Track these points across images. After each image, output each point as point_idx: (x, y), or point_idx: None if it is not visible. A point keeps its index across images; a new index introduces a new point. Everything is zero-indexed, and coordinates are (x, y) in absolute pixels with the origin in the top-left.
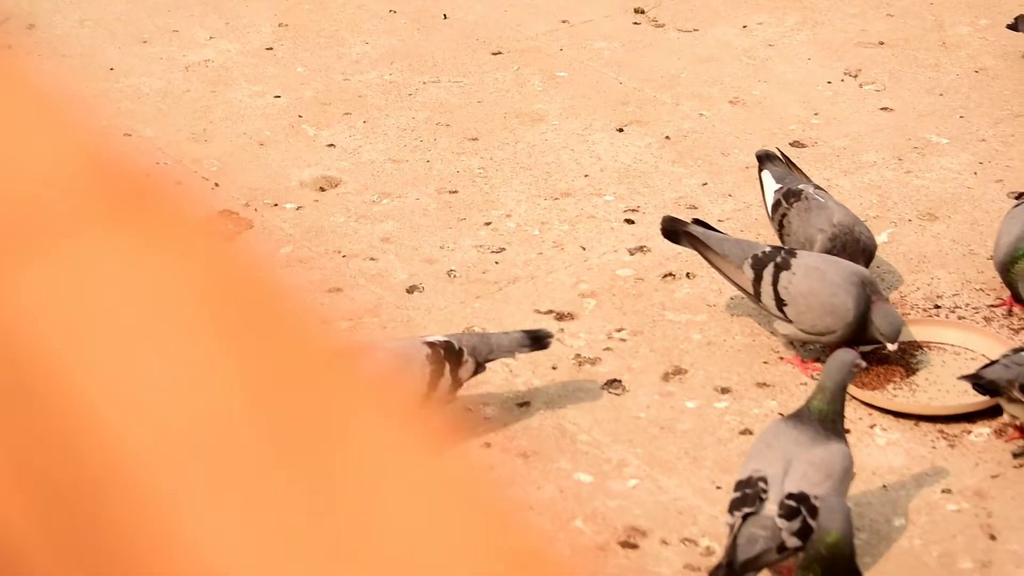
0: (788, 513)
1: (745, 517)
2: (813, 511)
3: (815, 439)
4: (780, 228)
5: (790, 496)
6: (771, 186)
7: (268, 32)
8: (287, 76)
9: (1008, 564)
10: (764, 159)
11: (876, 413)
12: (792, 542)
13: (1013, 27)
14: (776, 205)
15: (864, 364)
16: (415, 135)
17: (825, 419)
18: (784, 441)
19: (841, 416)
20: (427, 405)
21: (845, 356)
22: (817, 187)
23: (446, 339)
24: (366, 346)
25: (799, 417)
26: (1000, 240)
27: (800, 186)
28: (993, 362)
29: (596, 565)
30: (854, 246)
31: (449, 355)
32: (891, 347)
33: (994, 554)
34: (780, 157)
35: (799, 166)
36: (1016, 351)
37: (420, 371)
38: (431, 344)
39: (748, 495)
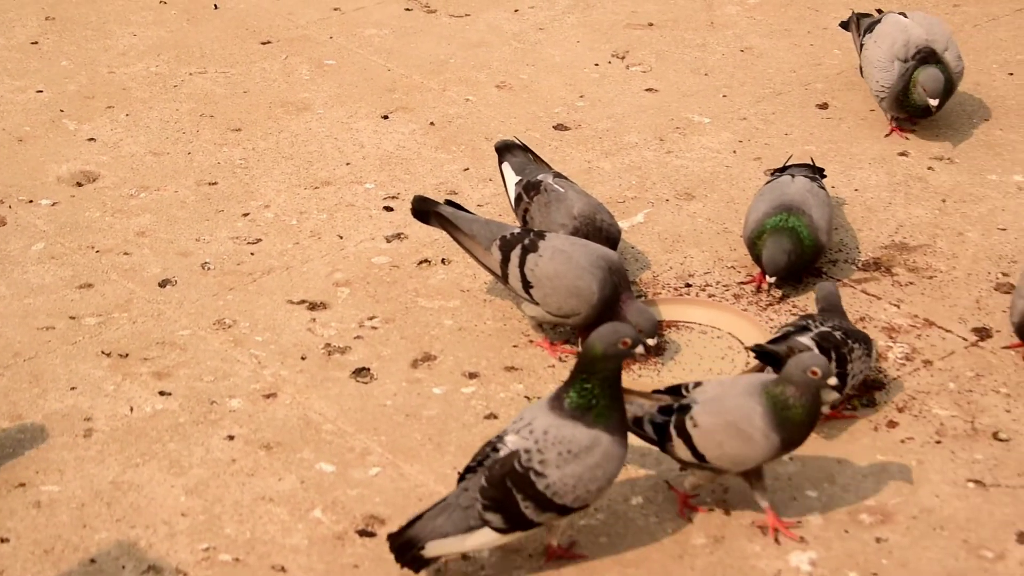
0: None
1: None
2: None
3: None
4: (524, 223)
5: None
6: (512, 179)
7: (34, 26)
8: (51, 70)
9: (740, 538)
10: (503, 150)
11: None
12: None
13: (845, 25)
14: (518, 199)
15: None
16: (178, 127)
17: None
18: None
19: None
20: None
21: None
22: (557, 175)
23: None
24: None
25: None
26: (749, 217)
27: (539, 177)
28: (782, 337)
29: (332, 555)
30: (596, 236)
31: None
32: (651, 342)
33: (727, 528)
34: (519, 146)
35: (566, 149)
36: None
37: None
38: None
39: None
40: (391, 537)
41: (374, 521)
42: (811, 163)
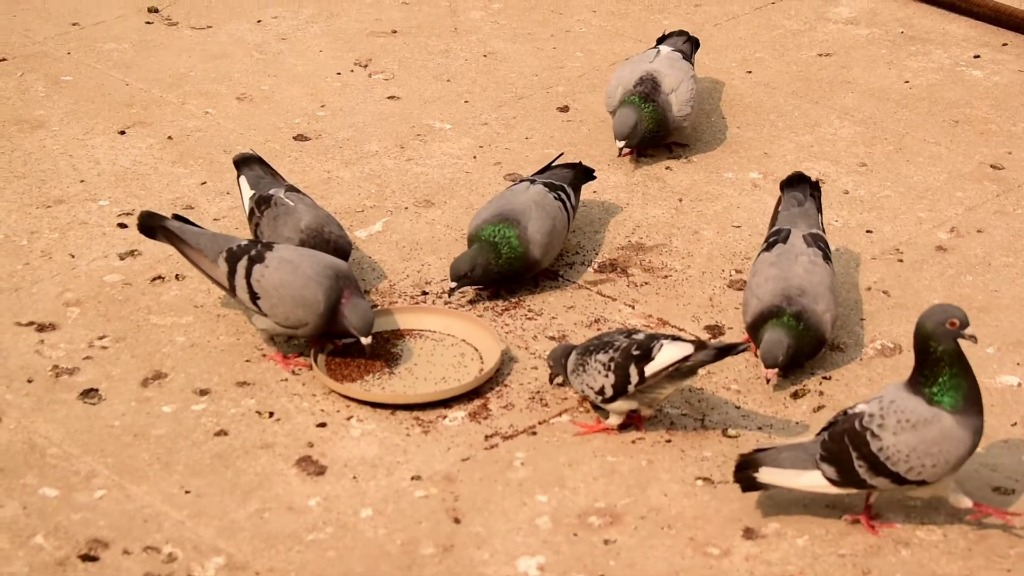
0: None
1: None
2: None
3: None
4: (256, 237)
5: None
6: (247, 193)
7: None
8: None
9: (470, 546)
10: (241, 164)
11: (354, 404)
12: None
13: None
14: (251, 213)
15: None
16: None
17: None
18: None
19: None
20: None
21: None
22: (290, 188)
23: None
24: None
25: None
26: (472, 222)
27: (271, 191)
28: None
29: None
30: (324, 249)
31: None
32: (365, 341)
33: (457, 537)
34: (257, 159)
35: (305, 159)
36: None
37: None
38: None
39: None
40: (742, 455)
41: (97, 545)
42: (579, 164)
